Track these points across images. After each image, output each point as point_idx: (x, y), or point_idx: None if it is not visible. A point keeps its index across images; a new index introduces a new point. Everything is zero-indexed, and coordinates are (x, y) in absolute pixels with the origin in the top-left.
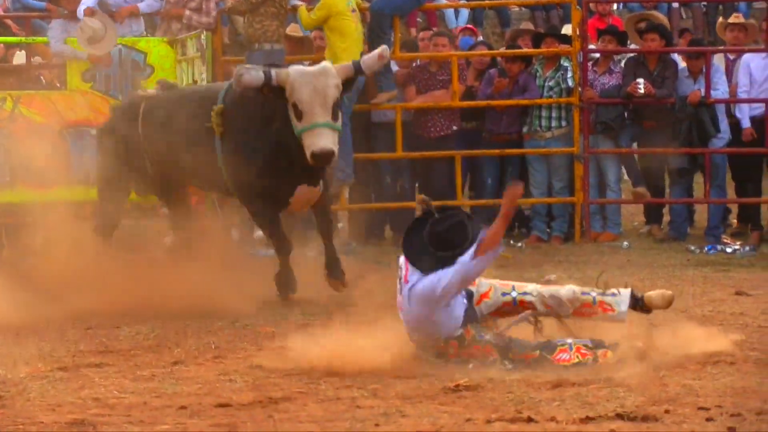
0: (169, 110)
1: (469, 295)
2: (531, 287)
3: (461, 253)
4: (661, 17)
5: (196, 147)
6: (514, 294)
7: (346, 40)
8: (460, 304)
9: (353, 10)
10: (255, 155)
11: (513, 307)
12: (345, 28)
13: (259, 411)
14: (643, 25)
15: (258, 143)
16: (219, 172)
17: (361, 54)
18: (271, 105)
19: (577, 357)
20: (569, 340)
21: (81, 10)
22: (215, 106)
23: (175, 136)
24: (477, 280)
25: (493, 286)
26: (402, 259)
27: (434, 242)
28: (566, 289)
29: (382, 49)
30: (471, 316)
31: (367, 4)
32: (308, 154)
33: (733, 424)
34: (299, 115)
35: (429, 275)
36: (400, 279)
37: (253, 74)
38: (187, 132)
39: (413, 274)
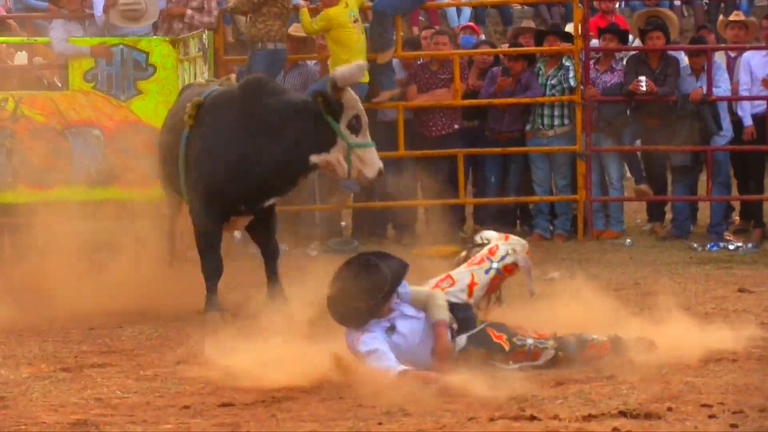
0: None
1: (466, 306)
2: (502, 249)
3: (374, 305)
4: (670, 14)
5: (169, 141)
6: (495, 265)
7: (348, 51)
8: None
9: (355, 21)
10: (219, 154)
11: (500, 277)
12: (347, 40)
13: (261, 410)
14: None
15: (227, 143)
16: (177, 171)
17: None
18: (258, 111)
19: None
20: (595, 336)
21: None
22: (194, 98)
23: (167, 131)
24: (456, 276)
25: (473, 272)
26: None
27: (343, 295)
28: (517, 238)
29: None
30: (470, 318)
31: (369, 3)
32: (372, 170)
33: (736, 422)
34: (356, 130)
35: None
36: None
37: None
38: (171, 127)
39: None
